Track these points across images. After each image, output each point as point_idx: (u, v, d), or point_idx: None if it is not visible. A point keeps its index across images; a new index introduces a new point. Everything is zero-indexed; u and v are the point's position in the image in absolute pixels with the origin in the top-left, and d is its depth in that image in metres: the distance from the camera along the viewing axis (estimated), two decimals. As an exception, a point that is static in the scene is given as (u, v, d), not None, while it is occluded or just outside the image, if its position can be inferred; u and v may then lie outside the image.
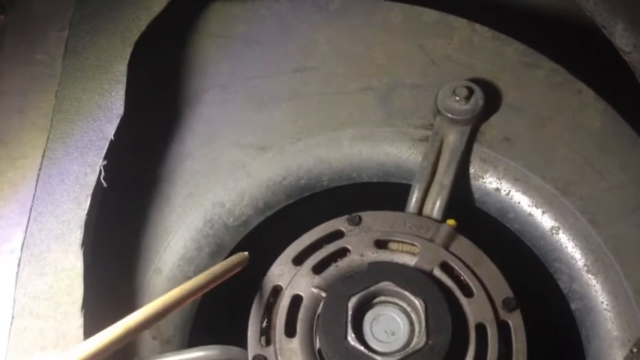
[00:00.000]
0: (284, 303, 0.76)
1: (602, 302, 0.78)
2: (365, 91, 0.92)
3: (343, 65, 0.94)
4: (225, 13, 0.99)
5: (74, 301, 0.68)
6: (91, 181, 0.72)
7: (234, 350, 0.76)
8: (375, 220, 0.82)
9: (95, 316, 0.70)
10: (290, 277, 0.78)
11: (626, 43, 0.70)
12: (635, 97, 0.73)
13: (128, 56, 0.81)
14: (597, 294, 0.79)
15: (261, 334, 0.76)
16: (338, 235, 0.81)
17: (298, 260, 0.79)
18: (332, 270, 0.78)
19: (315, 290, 0.77)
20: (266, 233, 0.91)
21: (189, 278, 0.83)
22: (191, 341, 0.82)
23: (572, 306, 0.81)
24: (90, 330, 0.68)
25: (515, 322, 0.75)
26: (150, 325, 0.60)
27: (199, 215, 0.86)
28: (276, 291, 0.78)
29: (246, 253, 0.78)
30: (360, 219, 0.82)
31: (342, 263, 0.78)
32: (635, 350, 0.61)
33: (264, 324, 0.77)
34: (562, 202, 0.83)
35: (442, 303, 0.73)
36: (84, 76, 0.80)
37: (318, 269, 0.78)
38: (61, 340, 0.66)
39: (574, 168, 0.84)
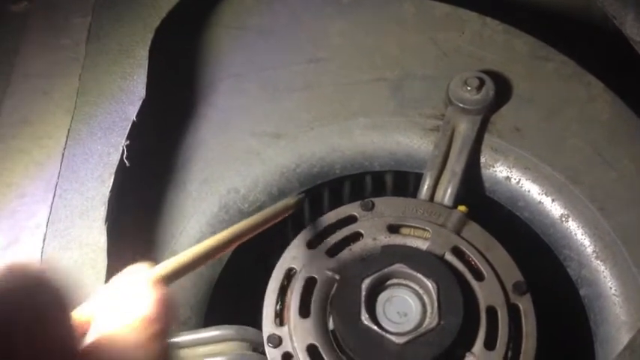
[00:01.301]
0: (298, 285, 0.78)
1: (611, 288, 0.79)
2: (377, 82, 0.93)
3: (355, 56, 0.95)
4: (239, 5, 1.00)
5: (98, 274, 0.70)
6: (114, 160, 0.74)
7: (249, 331, 0.78)
8: (388, 206, 0.83)
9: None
10: (304, 260, 0.79)
11: (637, 33, 0.72)
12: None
13: (149, 41, 0.83)
14: (606, 280, 0.80)
15: (276, 316, 0.78)
16: (351, 219, 0.82)
17: (312, 244, 0.81)
18: (345, 253, 0.80)
19: (328, 273, 0.78)
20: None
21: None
22: (207, 323, 0.83)
23: (582, 292, 0.82)
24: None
25: (525, 305, 0.76)
26: (216, 254, 0.63)
27: (215, 201, 0.88)
28: (291, 273, 0.80)
29: (302, 194, 0.81)
30: (373, 204, 0.83)
31: (356, 247, 0.80)
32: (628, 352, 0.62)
33: (279, 306, 0.78)
34: (571, 190, 0.84)
35: (454, 285, 0.74)
36: (106, 60, 0.82)
37: (331, 252, 0.80)
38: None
39: (583, 157, 0.86)
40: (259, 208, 0.90)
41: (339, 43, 0.96)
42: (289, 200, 0.81)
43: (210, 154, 0.90)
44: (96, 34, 0.83)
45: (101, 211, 0.72)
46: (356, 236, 0.81)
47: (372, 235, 0.80)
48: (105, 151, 0.74)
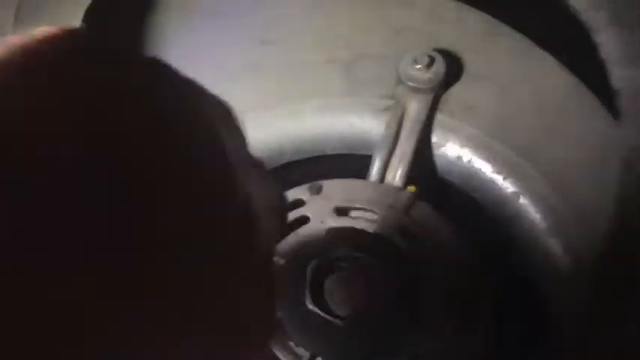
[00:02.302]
0: (244, 271, 0.76)
1: (564, 264, 0.78)
2: (328, 63, 0.91)
3: (307, 37, 0.93)
4: (187, -16, 0.98)
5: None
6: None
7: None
8: (336, 189, 0.82)
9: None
10: (250, 245, 0.77)
11: (582, 1, 0.70)
12: (593, 63, 0.73)
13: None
14: (559, 258, 0.79)
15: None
16: (299, 203, 0.81)
17: (258, 229, 0.79)
18: (292, 238, 0.78)
19: (275, 258, 0.76)
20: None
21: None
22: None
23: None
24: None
25: (474, 284, 0.74)
26: None
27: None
28: (237, 259, 0.77)
29: None
30: (321, 187, 0.81)
31: (302, 231, 0.78)
32: None
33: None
34: (524, 167, 0.82)
35: (401, 267, 0.73)
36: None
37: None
38: None
39: (536, 134, 0.84)
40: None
41: (289, 23, 0.94)
42: None
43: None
44: (22, 20, 0.80)
45: None
46: (303, 220, 0.79)
47: (320, 219, 0.79)
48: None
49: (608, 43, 0.67)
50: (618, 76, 0.66)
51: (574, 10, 0.71)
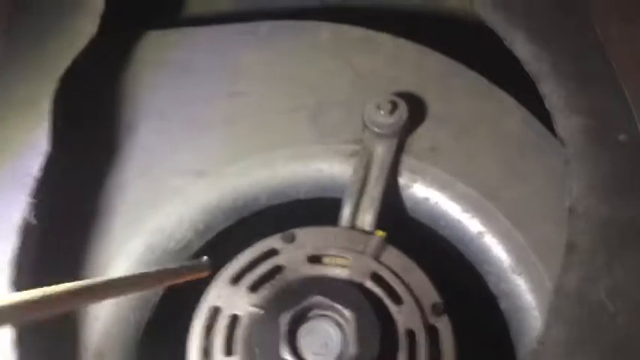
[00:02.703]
0: (222, 323, 0.79)
1: (528, 301, 0.81)
2: (295, 111, 0.94)
3: (274, 86, 0.96)
4: (161, 42, 1.01)
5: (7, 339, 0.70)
6: (18, 219, 0.74)
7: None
8: (309, 236, 0.85)
9: (32, 349, 0.72)
10: (228, 297, 0.80)
11: (526, 53, 0.73)
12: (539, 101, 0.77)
13: (52, 92, 0.83)
14: (523, 293, 0.82)
15: (203, 355, 0.79)
16: (272, 253, 0.83)
17: (235, 280, 0.82)
18: (267, 288, 0.81)
19: (252, 309, 0.79)
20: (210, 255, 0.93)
21: (132, 305, 0.86)
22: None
23: (502, 306, 0.84)
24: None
25: (443, 325, 0.78)
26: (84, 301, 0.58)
27: (140, 242, 0.88)
28: (215, 312, 0.80)
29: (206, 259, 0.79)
30: (294, 236, 0.84)
31: (278, 280, 0.81)
32: (538, 347, 0.64)
33: (205, 345, 0.79)
34: (487, 206, 0.86)
35: (371, 312, 0.76)
36: (10, 112, 0.81)
37: (254, 288, 0.81)
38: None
39: (497, 173, 0.87)
40: (186, 246, 0.91)
41: (257, 74, 0.97)
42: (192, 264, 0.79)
43: (135, 196, 0.91)
44: None
45: (7, 274, 0.72)
46: (277, 269, 0.82)
47: (293, 267, 0.82)
48: (7, 211, 0.74)
49: (551, 93, 0.71)
50: (562, 124, 0.69)
51: (521, 61, 0.74)
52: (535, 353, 0.64)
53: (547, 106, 0.72)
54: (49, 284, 0.57)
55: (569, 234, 0.67)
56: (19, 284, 0.72)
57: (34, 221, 0.74)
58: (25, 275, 0.74)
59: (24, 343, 0.72)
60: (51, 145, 0.78)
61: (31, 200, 0.74)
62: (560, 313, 0.65)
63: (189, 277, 0.74)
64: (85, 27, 0.90)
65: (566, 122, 0.70)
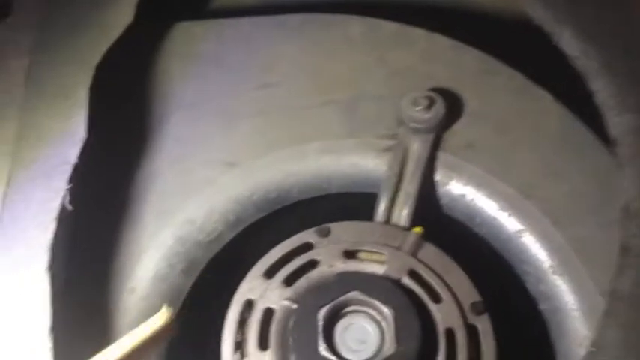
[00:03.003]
0: (256, 317, 0.77)
1: (568, 302, 0.80)
2: (327, 105, 0.93)
3: (306, 80, 0.95)
4: (189, 33, 1.00)
5: (43, 324, 0.69)
6: (56, 205, 0.73)
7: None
8: (344, 231, 0.83)
9: (67, 339, 0.71)
10: (261, 290, 0.79)
11: (574, 49, 0.72)
12: (587, 100, 0.75)
13: (89, 81, 0.82)
14: (563, 294, 0.80)
15: (236, 349, 0.77)
16: (307, 247, 0.82)
17: (269, 273, 0.80)
18: (302, 282, 0.79)
19: (286, 302, 0.78)
20: (241, 247, 0.92)
21: (162, 296, 0.85)
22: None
23: (540, 307, 0.83)
24: (61, 352, 0.69)
25: (483, 325, 0.76)
26: None
27: (170, 233, 0.87)
28: (249, 305, 0.79)
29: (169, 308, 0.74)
30: (329, 230, 0.83)
31: (312, 274, 0.80)
32: (593, 349, 0.63)
33: (238, 338, 0.78)
34: (525, 205, 0.84)
35: (410, 310, 0.74)
36: (46, 102, 0.81)
37: (288, 281, 0.79)
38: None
39: (536, 172, 0.86)
40: (217, 238, 0.89)
41: (288, 66, 0.96)
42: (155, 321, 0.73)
43: (165, 186, 0.89)
44: (34, 76, 0.82)
45: (44, 259, 0.71)
46: (312, 264, 0.80)
47: (329, 262, 0.80)
48: (46, 197, 0.73)
49: (602, 90, 0.69)
50: (613, 123, 0.68)
51: (568, 56, 0.72)
52: (589, 356, 0.63)
53: (597, 103, 0.70)
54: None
55: (623, 237, 0.66)
56: (54, 271, 0.70)
57: (70, 208, 0.73)
58: (58, 262, 0.72)
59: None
60: (87, 132, 0.77)
61: (68, 187, 0.73)
62: (614, 316, 0.63)
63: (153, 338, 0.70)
64: (121, 17, 0.89)
65: (618, 120, 0.68)
